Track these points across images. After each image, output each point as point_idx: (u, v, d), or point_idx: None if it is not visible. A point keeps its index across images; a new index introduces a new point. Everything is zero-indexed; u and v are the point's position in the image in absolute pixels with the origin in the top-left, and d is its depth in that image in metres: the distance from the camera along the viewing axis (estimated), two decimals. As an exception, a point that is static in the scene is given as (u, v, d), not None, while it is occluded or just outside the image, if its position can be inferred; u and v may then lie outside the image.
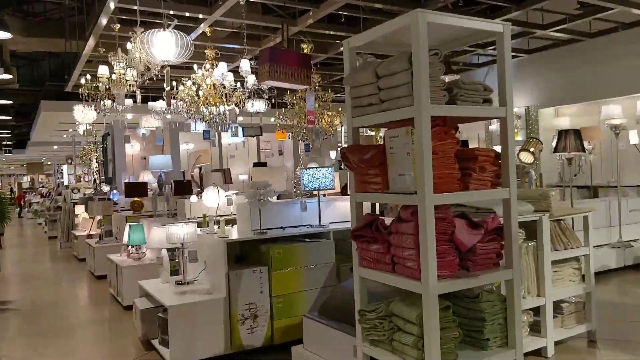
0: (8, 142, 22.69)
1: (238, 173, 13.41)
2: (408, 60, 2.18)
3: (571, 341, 3.98)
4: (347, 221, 3.53)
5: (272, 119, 9.42)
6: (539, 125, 9.96)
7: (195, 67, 6.91)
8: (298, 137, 9.11)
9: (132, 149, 13.42)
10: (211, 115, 6.93)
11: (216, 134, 9.21)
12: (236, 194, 6.30)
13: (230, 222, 5.21)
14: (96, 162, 14.32)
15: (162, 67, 5.46)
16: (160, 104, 8.09)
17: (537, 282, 3.65)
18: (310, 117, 5.74)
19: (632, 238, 6.53)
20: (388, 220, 2.49)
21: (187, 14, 6.64)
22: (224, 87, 6.60)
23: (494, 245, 2.40)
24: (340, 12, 7.45)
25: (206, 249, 4.42)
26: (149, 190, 8.13)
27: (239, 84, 7.00)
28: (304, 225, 4.60)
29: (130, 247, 6.24)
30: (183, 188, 7.62)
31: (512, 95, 2.47)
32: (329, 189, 4.54)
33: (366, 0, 6.73)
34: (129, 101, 7.01)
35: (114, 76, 6.64)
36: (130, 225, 6.17)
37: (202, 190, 6.99)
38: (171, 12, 6.32)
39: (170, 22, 4.39)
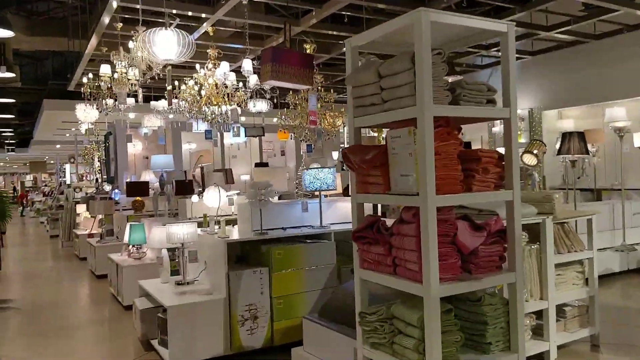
0: (11, 141, 22.74)
1: (240, 173, 13.39)
2: (411, 60, 2.16)
3: (574, 345, 3.94)
4: (349, 222, 3.50)
5: (275, 120, 9.40)
6: (543, 127, 9.91)
7: (197, 66, 6.89)
8: (300, 138, 9.08)
9: (134, 148, 13.41)
10: (213, 115, 6.91)
11: (218, 134, 9.19)
12: (237, 194, 6.28)
13: (231, 222, 5.19)
14: (98, 161, 14.32)
15: (164, 66, 5.44)
16: (162, 104, 8.07)
17: (540, 286, 3.61)
18: (313, 118, 5.71)
19: (635, 241, 6.48)
20: (390, 222, 2.46)
21: (189, 13, 6.62)
22: (226, 87, 6.58)
23: (496, 247, 2.37)
24: (343, 13, 7.43)
25: (206, 249, 4.40)
26: (150, 189, 8.11)
27: (241, 84, 6.98)
28: (305, 226, 4.57)
29: (130, 246, 6.23)
30: (184, 188, 7.61)
31: (516, 95, 2.44)
32: (331, 190, 4.51)
33: (369, 0, 6.71)
34: (131, 100, 6.99)
35: (116, 75, 6.62)
36: (131, 224, 6.16)
37: (203, 190, 6.97)
38: (174, 11, 6.31)
39: (172, 22, 4.37)
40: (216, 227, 4.52)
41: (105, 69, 6.63)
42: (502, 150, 2.45)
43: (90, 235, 8.92)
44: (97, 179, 14.41)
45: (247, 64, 6.18)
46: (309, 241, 4.33)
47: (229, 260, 4.03)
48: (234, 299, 3.98)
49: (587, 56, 9.07)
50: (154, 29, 4.38)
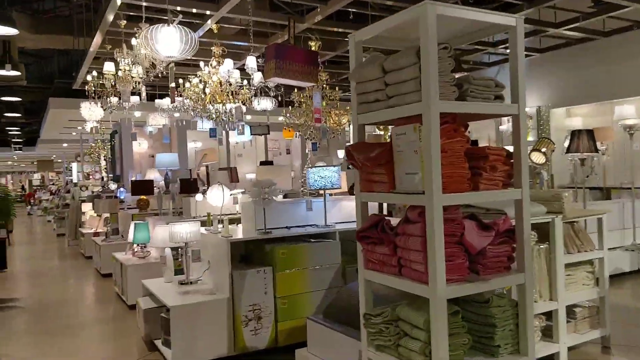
0: (18, 140, 22.84)
1: (245, 172, 13.35)
2: (416, 54, 2.09)
3: (585, 347, 3.86)
4: (354, 221, 3.44)
5: (280, 118, 9.34)
6: (551, 125, 9.79)
7: (201, 64, 6.84)
8: (305, 136, 9.02)
9: (140, 146, 13.41)
10: (217, 113, 6.87)
11: (223, 132, 9.15)
12: (242, 192, 6.23)
13: (236, 221, 5.14)
14: (104, 159, 14.34)
15: (167, 64, 5.40)
16: (167, 102, 8.03)
17: (549, 286, 3.54)
18: (317, 115, 5.66)
19: (646, 241, 6.38)
20: (396, 221, 2.39)
21: (194, 10, 6.57)
22: (230, 85, 6.53)
23: (505, 248, 2.30)
24: (349, 9, 7.36)
25: (210, 248, 4.35)
26: (155, 188, 8.09)
27: (245, 82, 6.93)
28: (310, 225, 4.52)
29: (135, 245, 6.20)
30: (189, 186, 7.57)
31: (524, 91, 2.37)
32: (335, 189, 4.46)
33: (375, -4, 6.64)
34: (135, 98, 6.96)
35: (120, 73, 6.60)
36: (135, 223, 6.13)
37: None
38: (178, 8, 6.26)
39: (174, 18, 4.32)
40: (220, 226, 4.47)
41: (109, 67, 6.60)
42: (509, 148, 2.39)
43: (96, 234, 8.91)
44: (102, 178, 14.44)
45: (251, 62, 6.13)
46: (313, 240, 4.27)
47: (232, 259, 3.98)
48: (237, 298, 3.93)
49: (596, 53, 8.94)
50: (157, 25, 4.34)
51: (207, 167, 10.10)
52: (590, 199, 7.50)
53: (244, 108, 7.15)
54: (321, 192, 4.50)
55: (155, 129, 9.66)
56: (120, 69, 6.59)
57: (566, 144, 6.43)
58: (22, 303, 6.43)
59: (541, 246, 3.52)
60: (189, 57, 4.89)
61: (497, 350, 2.29)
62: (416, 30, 2.10)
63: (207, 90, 6.76)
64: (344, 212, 4.71)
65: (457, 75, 2.26)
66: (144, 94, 6.94)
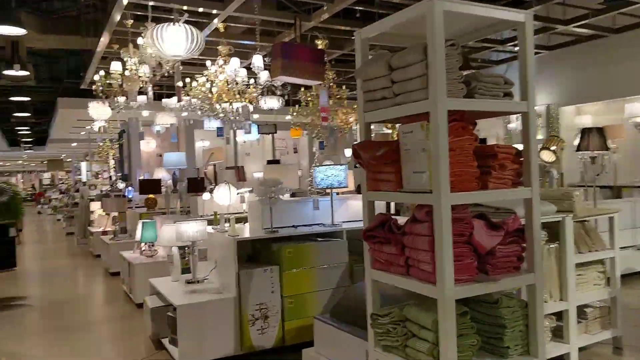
0: (28, 139, 23.02)
1: (253, 171, 13.37)
2: (423, 51, 2.06)
3: (596, 348, 3.81)
4: (361, 220, 3.42)
5: (287, 117, 9.33)
6: (560, 123, 9.70)
7: (208, 63, 6.84)
8: (312, 135, 9.00)
9: (148, 145, 13.47)
10: (224, 112, 6.86)
11: (231, 131, 9.15)
12: (249, 191, 6.22)
13: (243, 220, 5.13)
14: (112, 159, 14.42)
15: (174, 63, 5.40)
16: (174, 101, 8.05)
17: (559, 286, 3.49)
18: (324, 114, 5.63)
19: (658, 240, 6.28)
20: (403, 220, 2.36)
21: (200, 10, 6.57)
22: (237, 84, 6.52)
23: (514, 247, 2.26)
24: (356, 7, 7.32)
25: (217, 247, 4.35)
26: (162, 187, 8.11)
27: (252, 80, 6.91)
28: (317, 224, 4.50)
29: (142, 244, 6.22)
30: (196, 185, 7.58)
31: (534, 88, 2.33)
32: (342, 187, 4.43)
33: (382, -6, 6.60)
34: (142, 98, 6.97)
35: (127, 72, 6.61)
36: (143, 222, 6.15)
37: (215, 188, 6.93)
38: (184, 7, 6.26)
39: (180, 17, 4.31)
40: (226, 225, 4.46)
41: (116, 66, 6.61)
42: (519, 146, 2.35)
43: (104, 233, 8.95)
44: (111, 177, 14.51)
45: (257, 60, 6.11)
46: (320, 239, 4.25)
47: (239, 258, 3.97)
48: (244, 298, 3.92)
49: (606, 51, 8.83)
50: (162, 24, 4.33)
51: (214, 166, 10.12)
52: (601, 197, 7.41)
53: (251, 107, 7.13)
54: (328, 191, 4.47)
55: (162, 128, 9.68)
56: (127, 69, 6.60)
57: (576, 142, 6.35)
58: (32, 301, 6.47)
59: (551, 246, 3.47)
60: (195, 56, 4.89)
61: (506, 351, 2.26)
62: (423, 27, 2.07)
63: (214, 90, 6.75)
64: (351, 211, 4.69)
65: (465, 73, 2.23)
66: (150, 94, 6.94)
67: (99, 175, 18.66)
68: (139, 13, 6.96)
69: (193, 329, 3.81)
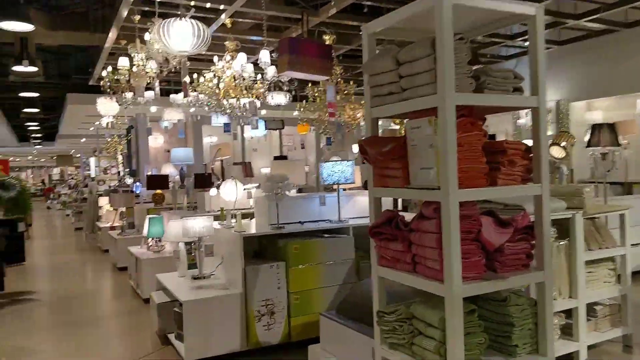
0: (38, 135, 23.17)
1: (260, 166, 13.37)
2: (431, 45, 2.02)
3: (605, 346, 3.77)
4: (368, 216, 3.40)
5: (295, 112, 9.30)
6: (570, 119, 9.59)
7: (215, 58, 6.82)
8: (320, 131, 8.97)
9: (156, 141, 13.50)
10: (232, 108, 6.84)
11: (238, 127, 9.14)
12: (256, 187, 6.22)
13: (249, 216, 5.12)
14: (121, 154, 14.48)
15: (180, 59, 5.38)
16: (182, 97, 8.05)
17: (569, 283, 3.45)
18: (331, 110, 5.60)
19: (669, 237, 6.19)
20: (410, 217, 2.33)
21: (207, 5, 6.54)
22: (244, 79, 6.50)
23: (523, 245, 2.22)
24: (363, 2, 7.27)
25: (223, 243, 4.34)
26: (170, 182, 8.13)
27: (259, 76, 6.89)
28: (323, 220, 4.48)
29: (150, 239, 6.23)
30: (204, 181, 7.58)
31: (545, 83, 2.28)
32: (349, 183, 4.40)
33: (390, -11, 6.54)
34: (149, 94, 6.97)
35: (134, 68, 6.61)
36: (150, 217, 6.16)
37: (222, 184, 6.92)
38: (192, 2, 6.24)
39: (186, 12, 4.29)
40: (233, 221, 4.45)
41: (123, 62, 6.62)
42: (528, 142, 2.31)
43: (112, 228, 9.00)
44: (119, 172, 14.58)
45: (264, 55, 6.08)
46: (326, 236, 4.23)
47: (245, 254, 3.96)
48: (250, 294, 3.91)
49: (618, 45, 8.71)
50: (169, 19, 4.31)
51: (221, 161, 10.12)
52: (611, 194, 7.33)
53: (258, 103, 7.11)
54: (335, 187, 4.45)
55: (170, 124, 9.68)
56: (135, 64, 6.60)
57: (586, 138, 6.27)
58: (40, 296, 6.51)
59: (561, 243, 3.43)
60: (202, 52, 4.87)
61: (514, 350, 2.23)
62: (431, 21, 2.03)
63: (221, 85, 6.73)
64: (357, 207, 4.66)
65: (473, 68, 2.19)
66: (157, 89, 6.94)
67: (108, 171, 18.75)
68: (146, 9, 6.96)
69: (199, 325, 3.81)
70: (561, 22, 8.27)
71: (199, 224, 4.25)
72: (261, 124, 9.90)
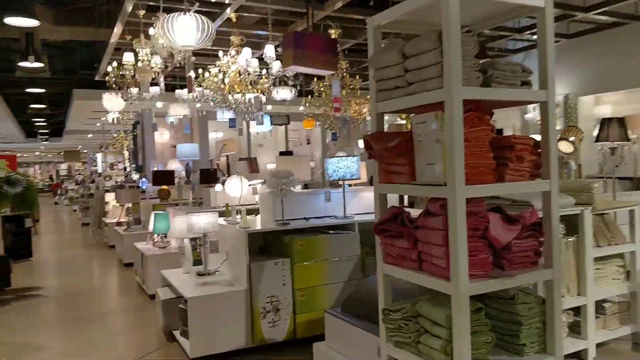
0: (45, 130, 23.27)
1: (266, 162, 13.35)
2: (438, 38, 1.98)
3: (614, 343, 3.72)
4: (373, 213, 3.37)
5: (300, 107, 9.25)
6: (579, 114, 9.49)
7: (220, 53, 6.79)
8: (325, 126, 8.92)
9: (162, 137, 13.51)
10: (237, 103, 6.81)
11: (244, 122, 9.11)
12: (262, 183, 6.19)
13: (254, 212, 5.10)
14: (127, 150, 14.51)
15: (185, 53, 5.35)
16: (187, 92, 8.03)
17: (577, 281, 3.40)
18: (336, 105, 5.56)
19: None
20: (417, 213, 2.30)
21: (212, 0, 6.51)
22: (249, 74, 6.46)
23: (531, 242, 2.18)
24: (370, -4, 7.20)
25: (228, 239, 4.32)
26: (176, 178, 8.13)
27: (264, 71, 6.85)
28: (328, 217, 4.45)
29: (155, 235, 6.23)
30: (209, 177, 7.57)
31: (554, 77, 2.24)
32: (355, 179, 4.37)
33: (396, -18, 6.46)
34: (154, 89, 6.96)
35: (139, 63, 6.59)
36: (155, 213, 6.16)
37: (228, 179, 6.90)
38: (197, -4, 6.20)
39: (190, 7, 4.26)
40: (238, 217, 4.43)
41: (128, 57, 6.60)
42: (536, 137, 2.26)
43: (119, 224, 9.02)
44: (125, 168, 14.61)
45: (269, 50, 6.04)
46: (332, 232, 4.21)
47: (250, 251, 3.95)
48: (255, 290, 3.90)
49: (628, 38, 8.59)
50: (173, 14, 4.28)
51: (227, 157, 10.11)
52: (620, 189, 7.24)
53: (263, 98, 7.07)
54: (340, 182, 4.42)
55: (176, 119, 9.68)
56: (140, 59, 6.58)
57: (595, 132, 6.19)
58: (47, 292, 6.54)
59: (569, 239, 3.38)
60: (207, 47, 4.84)
61: (522, 348, 2.19)
62: (437, 14, 1.99)
63: (227, 80, 6.70)
64: (363, 203, 4.63)
65: (481, 61, 2.14)
66: (162, 85, 6.92)
67: (114, 167, 18.83)
68: (151, 3, 6.92)
69: (204, 322, 3.79)
70: (570, 15, 8.15)
71: (204, 220, 4.24)
72: (267, 120, 9.87)
